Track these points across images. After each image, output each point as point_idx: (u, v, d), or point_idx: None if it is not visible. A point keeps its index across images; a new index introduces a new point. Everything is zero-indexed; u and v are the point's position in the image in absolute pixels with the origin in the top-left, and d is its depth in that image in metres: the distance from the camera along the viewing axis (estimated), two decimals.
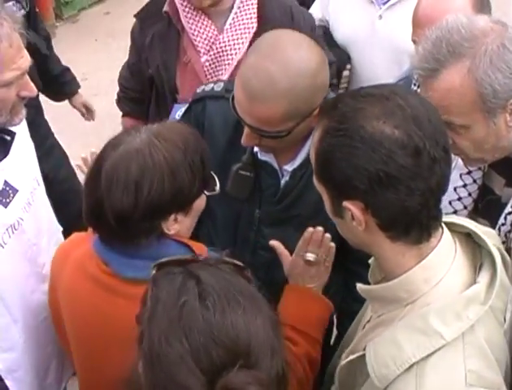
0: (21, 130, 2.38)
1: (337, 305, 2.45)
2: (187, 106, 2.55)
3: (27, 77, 2.19)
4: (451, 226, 1.72)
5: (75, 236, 2.25)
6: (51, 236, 2.55)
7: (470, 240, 1.74)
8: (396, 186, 1.54)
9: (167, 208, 1.94)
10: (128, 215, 1.90)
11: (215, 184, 2.08)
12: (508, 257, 1.80)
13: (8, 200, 2.25)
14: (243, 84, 2.06)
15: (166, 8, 3.07)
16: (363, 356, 1.67)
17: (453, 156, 2.11)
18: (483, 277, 1.65)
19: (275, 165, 2.34)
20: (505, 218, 2.04)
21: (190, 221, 2.04)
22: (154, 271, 1.61)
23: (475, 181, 2.18)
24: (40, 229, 2.45)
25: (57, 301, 2.17)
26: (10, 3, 3.33)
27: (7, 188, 2.26)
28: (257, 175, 2.34)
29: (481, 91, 1.86)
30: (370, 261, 1.89)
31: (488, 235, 1.76)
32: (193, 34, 3.05)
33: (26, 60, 2.16)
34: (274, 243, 2.29)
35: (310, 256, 2.23)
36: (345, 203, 1.60)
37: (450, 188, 2.15)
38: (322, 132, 1.63)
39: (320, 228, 2.22)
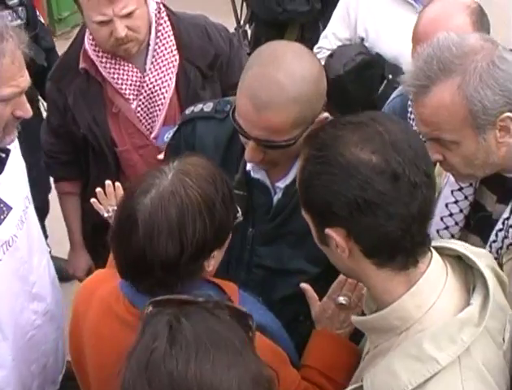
0: (14, 148, 2.40)
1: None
2: (176, 128, 2.51)
3: (24, 97, 2.19)
4: (441, 250, 1.72)
5: (98, 273, 2.19)
6: (41, 256, 2.57)
7: (462, 263, 1.74)
8: (374, 212, 1.54)
9: (210, 246, 1.90)
10: (175, 261, 1.83)
11: (238, 212, 2.05)
12: (505, 277, 1.80)
13: (2, 217, 2.26)
14: (250, 95, 2.02)
15: (82, 64, 2.93)
16: (361, 387, 1.66)
17: (444, 172, 2.14)
18: (476, 299, 1.64)
19: (268, 182, 2.30)
20: (497, 235, 2.05)
21: (222, 254, 2.00)
22: (149, 308, 1.62)
23: (466, 197, 2.18)
24: (31, 247, 2.47)
25: (80, 342, 2.07)
26: (6, 12, 3.28)
27: (1, 205, 2.27)
28: (249, 193, 2.31)
29: (471, 107, 1.88)
30: (363, 291, 1.88)
31: (480, 255, 1.76)
32: (117, 83, 2.93)
33: (26, 80, 2.17)
34: (304, 286, 2.23)
35: (343, 299, 2.16)
36: (327, 230, 1.61)
37: (442, 204, 2.19)
38: (303, 161, 1.65)
39: None
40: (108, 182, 2.43)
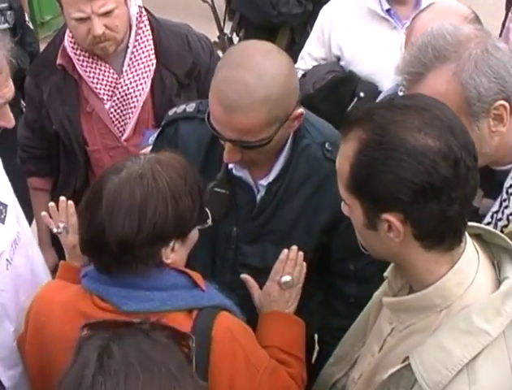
0: None
1: (317, 322, 2.48)
2: (159, 130, 2.53)
3: (7, 108, 2.17)
4: None
5: (50, 283, 2.19)
6: (34, 245, 2.57)
7: (479, 240, 1.77)
8: (439, 197, 1.56)
9: (169, 233, 1.91)
10: (131, 240, 1.86)
11: (208, 217, 2.07)
12: None
13: (2, 216, 2.24)
14: (219, 98, 2.05)
15: (59, 61, 2.93)
16: (406, 368, 1.66)
17: None
18: (510, 271, 1.68)
19: (250, 180, 2.32)
20: None
21: (185, 251, 2.02)
22: (84, 331, 1.58)
23: None
24: (30, 239, 2.48)
25: (43, 352, 2.03)
26: None
27: None
28: (232, 192, 2.33)
29: (466, 94, 1.89)
30: (386, 274, 1.88)
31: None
32: (93, 82, 2.94)
33: (10, 90, 2.13)
34: (244, 276, 2.29)
35: (287, 277, 2.23)
36: (385, 215, 1.60)
37: None
38: (360, 144, 1.60)
39: (295, 247, 2.24)
40: (62, 198, 2.40)
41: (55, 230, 2.42)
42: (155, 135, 2.61)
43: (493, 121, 1.94)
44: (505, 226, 2.05)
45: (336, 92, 3.41)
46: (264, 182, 2.30)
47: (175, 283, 1.94)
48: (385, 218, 1.60)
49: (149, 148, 2.71)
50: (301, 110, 2.14)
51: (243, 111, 2.02)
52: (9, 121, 2.19)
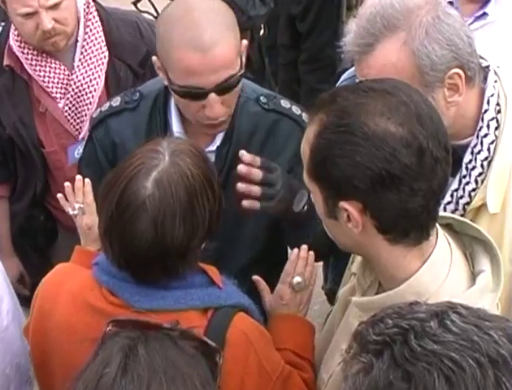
0: None
1: None
2: (87, 137, 2.45)
3: None
4: None
5: (61, 267, 2.05)
6: None
7: (449, 230, 1.70)
8: (398, 187, 1.48)
9: (214, 226, 1.85)
10: (187, 245, 1.77)
11: None
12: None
13: None
14: (191, 45, 2.02)
15: (6, 61, 2.81)
16: None
17: None
18: (485, 264, 1.62)
19: None
20: (445, 209, 1.99)
21: None
22: (108, 328, 1.54)
23: None
24: None
25: (45, 341, 1.96)
26: None
27: None
28: None
29: (418, 63, 1.84)
30: (353, 269, 1.82)
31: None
32: (44, 81, 2.82)
33: None
34: (256, 278, 2.20)
35: (299, 279, 2.14)
36: (342, 203, 1.53)
37: None
38: (319, 127, 1.54)
39: (305, 246, 2.17)
40: (78, 176, 2.30)
41: (71, 212, 2.34)
42: (79, 147, 2.54)
43: (449, 91, 1.88)
44: (468, 203, 1.98)
45: None
46: (213, 147, 2.26)
47: (192, 281, 1.84)
48: (343, 207, 1.53)
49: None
50: (245, 41, 2.17)
51: (220, 43, 2.03)
52: None
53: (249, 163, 2.08)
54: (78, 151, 2.65)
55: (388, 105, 1.50)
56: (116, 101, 2.37)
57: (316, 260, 2.22)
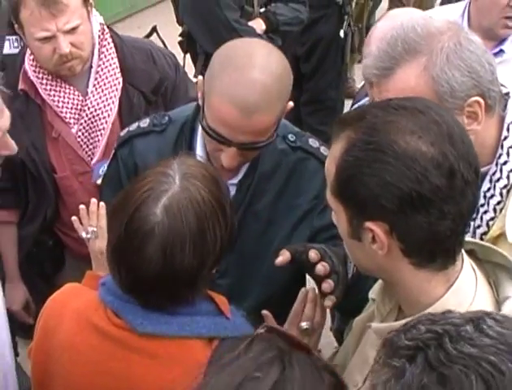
0: None
1: None
2: (112, 154, 2.43)
3: (7, 136, 2.15)
4: None
5: (69, 286, 2.01)
6: None
7: (472, 257, 1.65)
8: (428, 208, 1.43)
9: (225, 252, 1.81)
10: (197, 273, 1.73)
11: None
12: None
13: None
14: (235, 101, 1.96)
15: (21, 86, 2.81)
16: None
17: None
18: (510, 291, 1.56)
19: None
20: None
21: None
22: (261, 330, 1.43)
23: None
24: None
25: (47, 360, 1.91)
26: None
27: None
28: None
29: (438, 89, 1.80)
30: (371, 295, 1.76)
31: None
32: (58, 106, 2.81)
33: (6, 120, 2.12)
34: (265, 313, 2.09)
35: (306, 324, 2.00)
36: (368, 224, 1.48)
37: None
38: (347, 145, 1.49)
39: (314, 286, 2.05)
40: (93, 200, 2.29)
41: (84, 235, 2.32)
42: (105, 164, 2.52)
43: (467, 119, 1.83)
44: (485, 233, 1.94)
45: None
46: (234, 180, 2.23)
47: (199, 308, 1.79)
48: (368, 227, 1.49)
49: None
50: (291, 103, 2.11)
51: (264, 111, 1.98)
52: (11, 149, 2.18)
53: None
54: (103, 168, 2.64)
55: (420, 123, 1.46)
56: (145, 123, 2.36)
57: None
